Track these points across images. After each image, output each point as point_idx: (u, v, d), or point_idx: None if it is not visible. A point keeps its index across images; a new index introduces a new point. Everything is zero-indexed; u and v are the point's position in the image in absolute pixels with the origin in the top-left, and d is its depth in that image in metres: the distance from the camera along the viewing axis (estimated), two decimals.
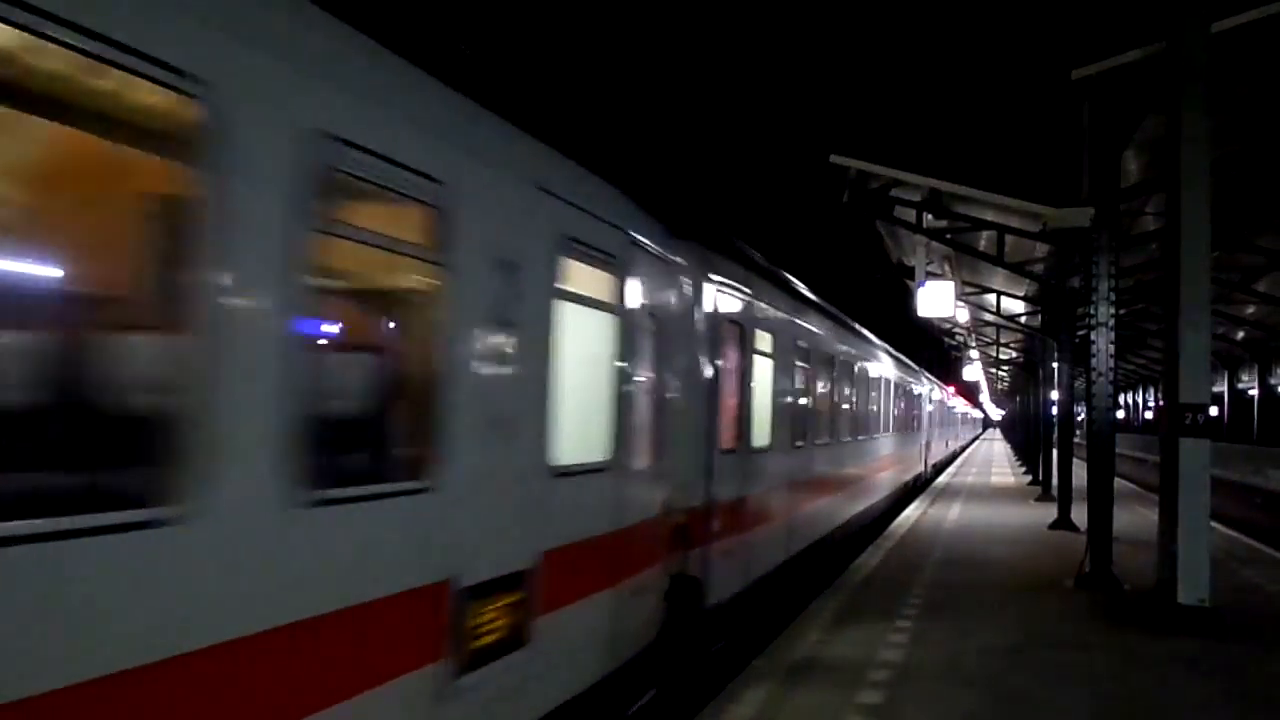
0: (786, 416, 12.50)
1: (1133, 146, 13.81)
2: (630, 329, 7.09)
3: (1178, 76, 10.63)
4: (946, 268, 23.70)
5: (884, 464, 23.50)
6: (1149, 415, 61.27)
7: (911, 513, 22.61)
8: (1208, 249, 10.76)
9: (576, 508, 6.28)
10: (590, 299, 6.47)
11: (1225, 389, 44.42)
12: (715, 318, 9.15)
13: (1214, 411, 22.43)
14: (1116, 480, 15.33)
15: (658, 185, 9.48)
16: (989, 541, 17.70)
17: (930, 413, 36.52)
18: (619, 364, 6.95)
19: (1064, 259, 19.12)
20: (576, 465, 6.21)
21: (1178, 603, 10.44)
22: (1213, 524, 11.92)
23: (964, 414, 72.73)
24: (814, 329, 14.75)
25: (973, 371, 58.12)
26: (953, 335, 41.75)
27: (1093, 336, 13.58)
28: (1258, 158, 14.26)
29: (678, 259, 8.26)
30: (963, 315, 27.53)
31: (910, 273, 22.61)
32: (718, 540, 9.15)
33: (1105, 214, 13.31)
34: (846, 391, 17.74)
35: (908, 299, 24.41)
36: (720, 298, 9.34)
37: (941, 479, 35.37)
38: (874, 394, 21.56)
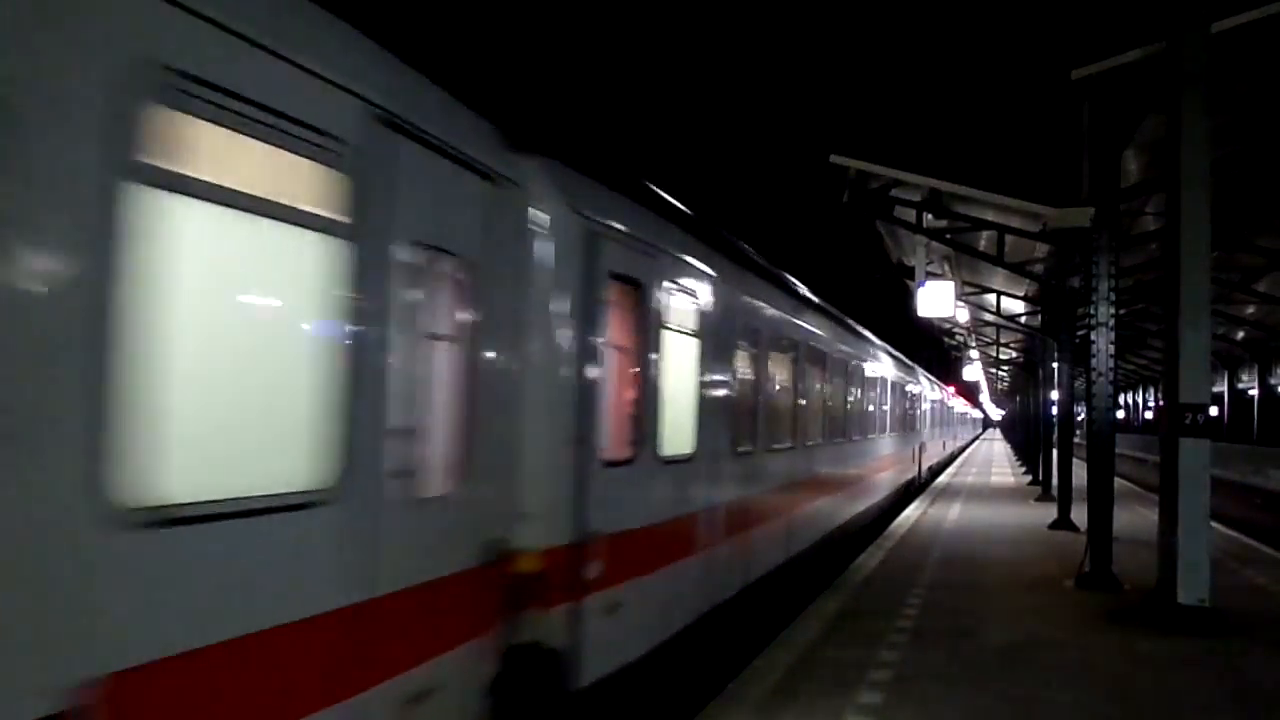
0: (726, 415, 9.45)
1: (1133, 146, 13.82)
2: (382, 268, 4.28)
3: (1178, 76, 10.63)
4: (946, 268, 23.71)
5: (868, 471, 20.02)
6: (1149, 415, 61.27)
7: (911, 513, 22.60)
8: (1208, 249, 10.77)
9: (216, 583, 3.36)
10: (269, 206, 3.63)
11: (1225, 389, 44.43)
12: (592, 274, 6.29)
13: (1214, 411, 22.43)
14: (1116, 480, 15.33)
15: (476, 64, 6.71)
16: (989, 541, 17.70)
17: (926, 412, 34.29)
18: (361, 324, 4.12)
19: (1064, 259, 19.12)
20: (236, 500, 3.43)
21: (1178, 603, 10.45)
22: (1213, 524, 11.93)
23: (963, 414, 72.69)
24: (772, 307, 11.58)
25: (973, 371, 58.16)
26: (953, 335, 41.77)
27: (1093, 336, 13.58)
28: (1258, 158, 14.27)
29: (509, 177, 5.54)
30: (963, 315, 27.53)
31: (910, 273, 22.62)
32: (598, 590, 6.33)
33: (1105, 214, 13.31)
34: (822, 387, 14.80)
35: (908, 299, 24.42)
36: (606, 248, 6.50)
37: (941, 479, 35.35)
38: (858, 391, 18.42)
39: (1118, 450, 18.16)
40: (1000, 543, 17.58)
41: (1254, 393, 42.29)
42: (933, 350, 52.82)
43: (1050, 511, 21.01)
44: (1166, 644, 9.90)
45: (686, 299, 8.26)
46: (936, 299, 21.24)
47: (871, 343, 22.49)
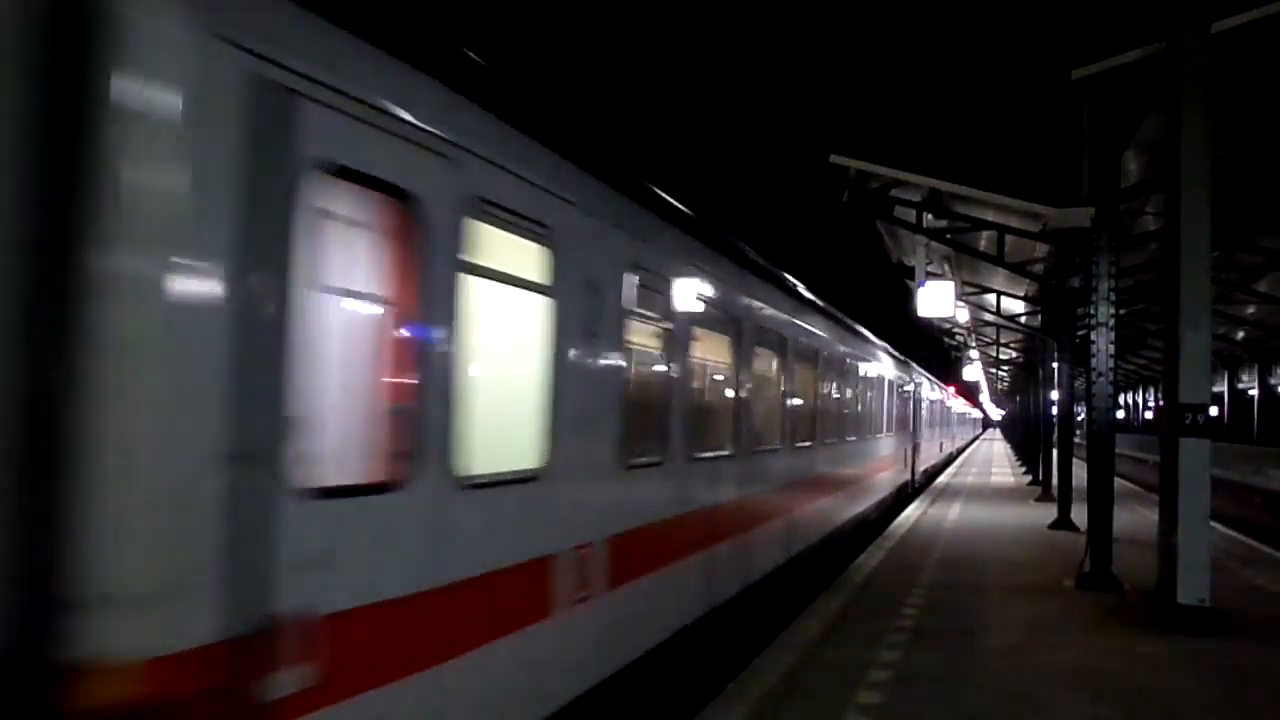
0: (609, 411, 6.63)
1: (1133, 146, 13.82)
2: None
3: (1177, 77, 10.62)
4: (946, 268, 23.71)
5: (848, 480, 16.97)
6: (1149, 415, 61.25)
7: (911, 513, 22.60)
8: (1208, 249, 10.76)
9: None
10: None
11: (1225, 389, 44.41)
12: (282, 163, 3.63)
13: (1214, 411, 22.42)
14: (1116, 480, 15.32)
15: None
16: (989, 541, 17.69)
17: (922, 412, 32.20)
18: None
19: (1064, 259, 19.12)
20: None
21: (1178, 603, 10.45)
22: (1213, 524, 11.93)
23: (962, 414, 72.62)
24: (690, 260, 8.47)
25: (973, 371, 58.14)
26: (953, 335, 41.75)
27: (1093, 336, 13.58)
28: (1258, 158, 14.26)
29: None
30: (963, 315, 27.50)
31: (910, 273, 22.60)
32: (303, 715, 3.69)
33: (1105, 214, 13.31)
34: (786, 381, 11.96)
35: (908, 299, 24.40)
36: (316, 118, 3.78)
37: (941, 479, 35.34)
38: (836, 386, 15.82)
39: (1118, 450, 18.16)
40: (1000, 543, 17.57)
41: (1254, 393, 42.27)
42: (933, 350, 52.84)
43: (1050, 511, 21.00)
44: (1166, 644, 9.90)
45: (510, 224, 5.34)
46: (936, 299, 21.21)
47: (869, 340, 20.66)
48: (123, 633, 3.04)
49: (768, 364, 11.52)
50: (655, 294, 7.61)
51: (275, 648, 3.55)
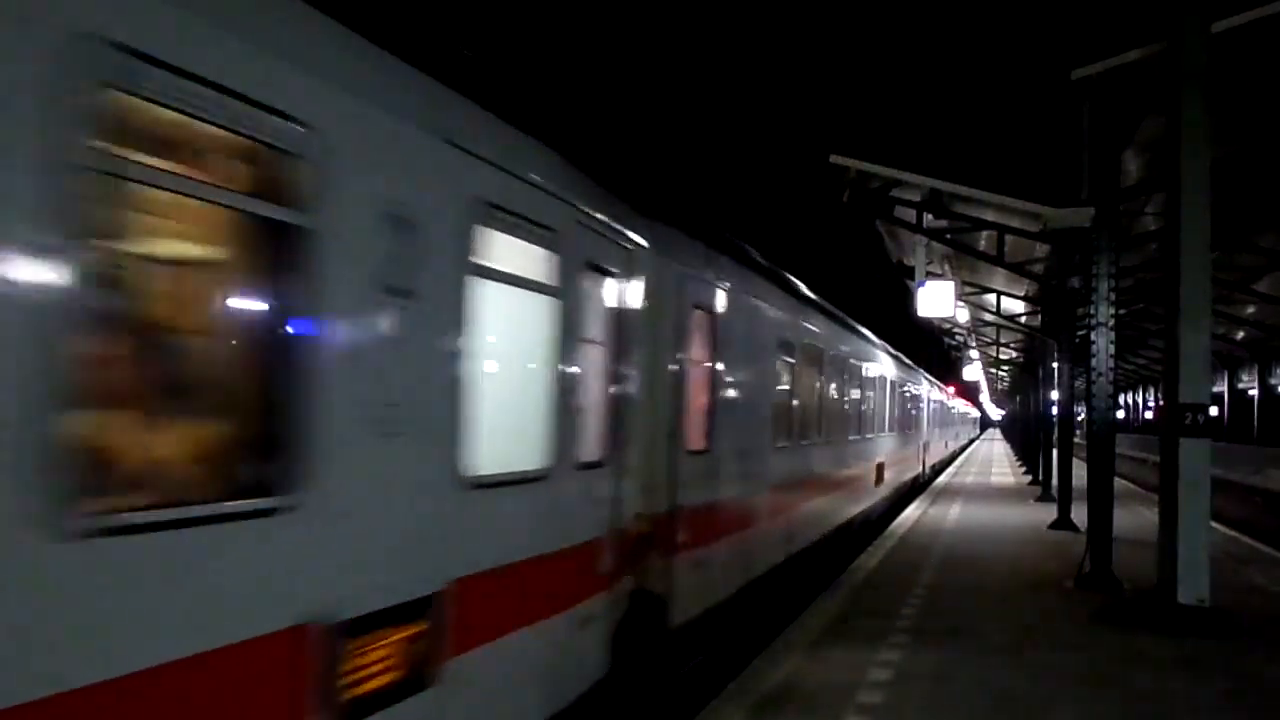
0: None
1: (1133, 146, 13.83)
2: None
3: (1178, 77, 10.63)
4: (946, 268, 23.71)
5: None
6: (1149, 415, 61.27)
7: (911, 513, 22.61)
8: (1208, 249, 10.76)
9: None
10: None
11: (1225, 389, 44.42)
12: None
13: (1214, 411, 22.41)
14: (1116, 480, 15.32)
15: None
16: (989, 541, 17.69)
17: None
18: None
19: (1064, 259, 19.13)
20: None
21: (1178, 603, 10.45)
22: (1213, 524, 11.93)
23: (963, 414, 72.64)
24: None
25: (973, 371, 58.16)
26: (953, 335, 41.77)
27: (1093, 336, 13.58)
28: (1258, 158, 14.27)
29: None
30: (963, 315, 27.53)
31: (910, 273, 22.61)
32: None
33: (1105, 214, 13.31)
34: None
35: (908, 299, 24.41)
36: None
37: (941, 479, 35.36)
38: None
39: (1118, 450, 18.16)
40: (1000, 543, 17.57)
41: (1254, 393, 42.28)
42: (933, 350, 52.87)
43: (1050, 511, 21.00)
44: (1166, 644, 9.90)
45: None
46: (936, 299, 21.23)
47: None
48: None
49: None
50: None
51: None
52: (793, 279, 14.45)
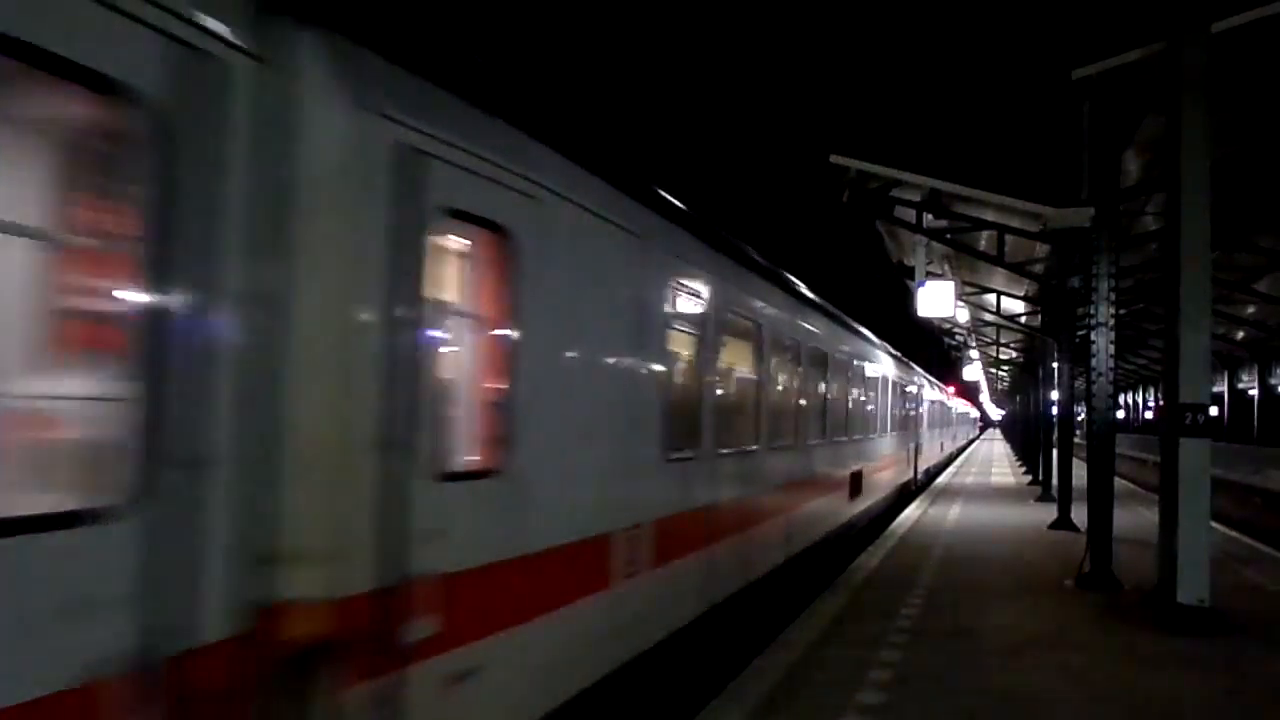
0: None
1: (1133, 146, 13.82)
2: None
3: (1178, 77, 10.62)
4: (946, 268, 23.71)
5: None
6: (1149, 415, 61.27)
7: (911, 513, 22.62)
8: (1208, 249, 10.76)
9: None
10: None
11: (1225, 389, 44.41)
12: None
13: (1214, 411, 22.42)
14: (1116, 480, 15.32)
15: None
16: (989, 541, 17.69)
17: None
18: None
19: (1064, 259, 19.12)
20: None
21: (1178, 603, 10.45)
22: (1213, 524, 11.93)
23: (963, 414, 72.58)
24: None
25: (973, 371, 58.14)
26: (953, 335, 41.75)
27: (1093, 336, 13.58)
28: (1258, 158, 14.27)
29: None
30: (963, 315, 27.52)
31: (910, 273, 22.61)
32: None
33: (1105, 214, 13.31)
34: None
35: (908, 299, 24.40)
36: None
37: (941, 480, 35.34)
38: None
39: (1118, 450, 18.16)
40: (1000, 543, 17.57)
41: (1254, 393, 42.27)
42: (933, 350, 52.87)
43: (1050, 512, 21.00)
44: (1166, 644, 9.90)
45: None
46: (936, 299, 21.22)
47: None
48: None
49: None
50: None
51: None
52: (702, 215, 9.08)
